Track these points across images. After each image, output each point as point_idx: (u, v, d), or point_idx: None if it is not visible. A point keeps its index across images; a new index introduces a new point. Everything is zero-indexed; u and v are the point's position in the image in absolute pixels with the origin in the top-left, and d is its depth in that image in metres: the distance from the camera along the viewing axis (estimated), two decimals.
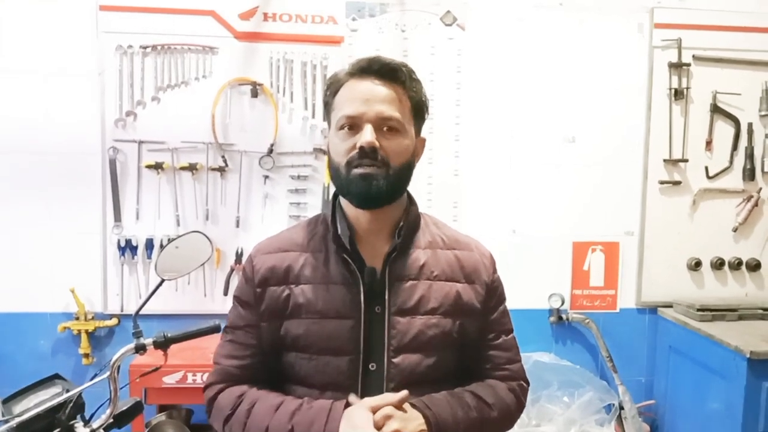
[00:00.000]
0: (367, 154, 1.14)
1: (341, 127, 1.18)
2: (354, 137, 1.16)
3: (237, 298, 1.29)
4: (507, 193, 2.86)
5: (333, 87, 1.22)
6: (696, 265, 2.90)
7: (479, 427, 1.19)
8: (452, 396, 1.20)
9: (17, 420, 1.32)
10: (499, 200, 2.85)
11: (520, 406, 1.31)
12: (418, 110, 1.24)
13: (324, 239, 1.26)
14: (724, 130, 2.88)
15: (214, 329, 1.65)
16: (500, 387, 1.28)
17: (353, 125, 1.16)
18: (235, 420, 1.19)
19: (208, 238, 1.66)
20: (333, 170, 1.22)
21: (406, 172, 1.22)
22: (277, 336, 1.23)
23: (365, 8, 2.75)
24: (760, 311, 2.73)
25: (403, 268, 1.23)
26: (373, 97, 1.16)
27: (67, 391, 1.43)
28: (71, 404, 1.40)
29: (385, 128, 1.17)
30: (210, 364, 2.29)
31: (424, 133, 1.30)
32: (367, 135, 1.14)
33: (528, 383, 1.36)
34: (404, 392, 1.12)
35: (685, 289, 2.90)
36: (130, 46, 2.65)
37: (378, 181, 1.15)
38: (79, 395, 1.43)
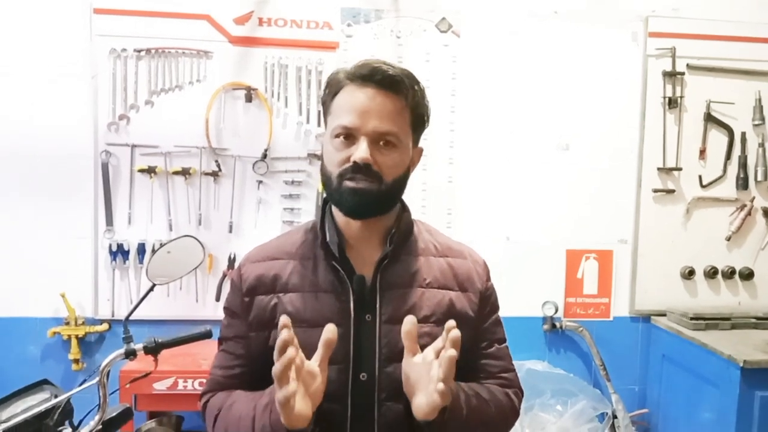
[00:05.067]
0: (361, 168, 1.11)
1: (337, 136, 1.14)
2: (349, 149, 1.13)
3: (226, 309, 1.27)
4: (501, 201, 2.85)
5: (332, 88, 1.18)
6: (689, 274, 2.90)
7: (480, 414, 1.15)
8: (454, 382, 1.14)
9: (3, 426, 1.31)
10: (494, 207, 2.85)
11: (515, 412, 1.28)
12: (418, 121, 1.21)
13: (313, 246, 1.23)
14: (717, 139, 2.89)
15: (205, 335, 1.64)
16: (496, 389, 1.25)
17: (349, 135, 1.13)
18: (221, 417, 1.18)
19: (200, 242, 1.65)
20: (325, 177, 1.19)
21: (399, 185, 1.19)
22: (266, 346, 1.19)
23: (360, 14, 2.75)
24: (753, 320, 2.73)
25: (395, 276, 1.20)
26: (371, 109, 1.12)
27: (56, 396, 1.42)
28: (59, 410, 1.38)
29: (381, 142, 1.13)
30: (201, 370, 2.28)
31: None
32: (362, 151, 1.11)
33: (522, 392, 1.33)
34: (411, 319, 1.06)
35: (679, 298, 2.90)
36: (124, 50, 2.64)
37: (369, 196, 1.13)
38: (68, 401, 1.41)
